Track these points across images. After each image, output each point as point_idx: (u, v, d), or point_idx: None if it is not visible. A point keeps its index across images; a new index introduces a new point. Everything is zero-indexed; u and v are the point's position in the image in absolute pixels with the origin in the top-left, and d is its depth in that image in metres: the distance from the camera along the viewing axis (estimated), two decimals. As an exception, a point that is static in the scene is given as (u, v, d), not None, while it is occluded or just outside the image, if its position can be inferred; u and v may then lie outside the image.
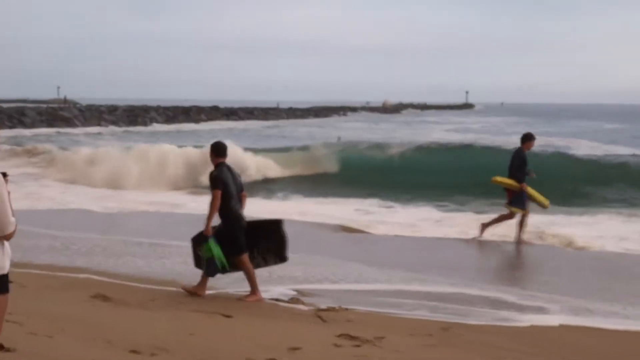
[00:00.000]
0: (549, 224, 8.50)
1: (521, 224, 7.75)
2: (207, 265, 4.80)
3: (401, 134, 30.88)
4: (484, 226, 7.92)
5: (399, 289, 5.46)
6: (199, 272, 4.99)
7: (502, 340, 4.00)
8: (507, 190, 7.92)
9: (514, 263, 7.80)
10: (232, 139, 16.22)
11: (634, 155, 15.99)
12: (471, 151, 17.18)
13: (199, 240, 4.93)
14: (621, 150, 18.15)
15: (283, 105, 59.21)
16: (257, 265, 5.03)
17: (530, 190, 7.90)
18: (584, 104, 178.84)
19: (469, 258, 7.45)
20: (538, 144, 9.44)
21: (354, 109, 68.04)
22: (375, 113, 67.67)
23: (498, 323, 4.49)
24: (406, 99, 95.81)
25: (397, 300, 5.03)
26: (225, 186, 4.75)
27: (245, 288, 4.93)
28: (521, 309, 4.91)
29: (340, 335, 3.77)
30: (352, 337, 3.73)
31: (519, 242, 7.76)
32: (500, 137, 24.68)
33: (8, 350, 2.86)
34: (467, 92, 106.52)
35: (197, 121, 39.55)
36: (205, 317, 4.30)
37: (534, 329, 4.36)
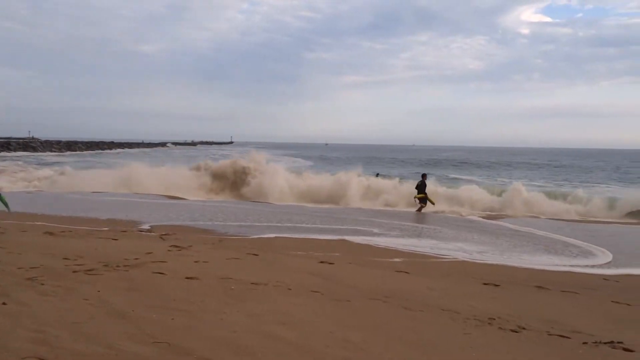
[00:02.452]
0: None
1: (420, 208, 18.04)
2: None
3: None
4: (419, 209, 18.31)
5: (209, 225, 9.80)
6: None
7: (245, 244, 8.38)
8: (421, 197, 18.48)
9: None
10: None
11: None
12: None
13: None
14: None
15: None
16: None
17: (428, 197, 18.69)
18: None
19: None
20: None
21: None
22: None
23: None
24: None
25: (205, 229, 9.30)
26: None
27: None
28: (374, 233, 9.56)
29: (171, 246, 7.76)
30: (177, 247, 7.75)
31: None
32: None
33: None
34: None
35: None
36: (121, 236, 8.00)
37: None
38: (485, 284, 6.88)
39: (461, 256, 9.52)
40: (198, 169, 27.79)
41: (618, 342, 4.37)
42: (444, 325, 4.54)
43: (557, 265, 9.25)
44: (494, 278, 7.35)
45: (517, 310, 5.42)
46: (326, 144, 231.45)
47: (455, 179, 41.47)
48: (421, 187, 18.84)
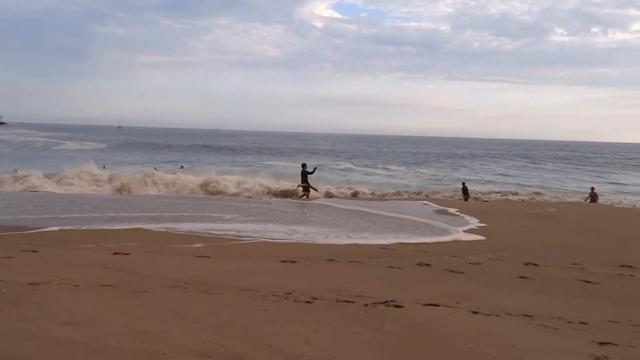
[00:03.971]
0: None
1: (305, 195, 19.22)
2: None
3: None
4: (302, 195, 19.49)
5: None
6: None
7: (19, 240, 7.35)
8: (304, 186, 19.41)
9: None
10: None
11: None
12: None
13: None
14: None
15: None
16: None
17: (311, 185, 19.61)
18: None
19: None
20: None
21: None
22: None
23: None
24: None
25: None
26: None
27: None
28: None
29: None
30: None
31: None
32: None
33: None
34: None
35: None
36: None
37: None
38: (283, 261, 7.24)
39: (261, 237, 9.86)
40: None
41: (391, 301, 5.05)
42: (243, 304, 4.65)
43: (342, 237, 10.25)
44: (292, 255, 7.80)
45: (311, 283, 5.85)
46: (119, 127, 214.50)
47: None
48: (303, 175, 19.01)
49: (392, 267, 7.18)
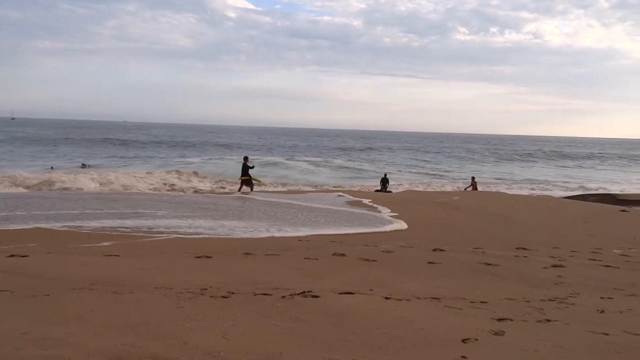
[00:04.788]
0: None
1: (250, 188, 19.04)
2: None
3: None
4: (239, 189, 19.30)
5: None
6: None
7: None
8: (246, 179, 19.24)
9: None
10: None
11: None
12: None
13: None
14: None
15: None
16: None
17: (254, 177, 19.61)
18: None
19: None
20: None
21: None
22: None
23: None
24: None
25: None
26: None
27: None
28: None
29: None
30: None
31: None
32: None
33: None
34: None
35: None
36: None
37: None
38: (198, 257, 7.09)
39: (175, 233, 9.56)
40: None
41: (308, 291, 5.14)
42: (156, 303, 4.50)
43: (260, 231, 10.23)
44: (207, 251, 7.65)
45: (227, 278, 5.78)
46: (12, 118, 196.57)
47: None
48: (244, 169, 19.00)
49: (308, 259, 7.29)
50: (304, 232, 10.44)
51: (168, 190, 20.61)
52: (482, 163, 56.22)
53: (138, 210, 12.56)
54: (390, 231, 11.30)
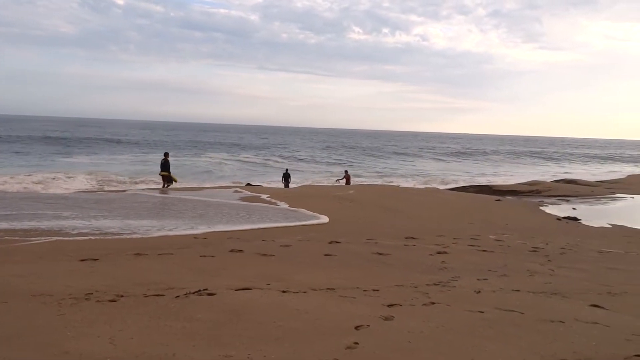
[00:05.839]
0: None
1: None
2: None
3: None
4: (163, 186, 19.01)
5: None
6: None
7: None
8: (165, 175, 19.31)
9: None
10: None
11: None
12: None
13: None
14: None
15: None
16: None
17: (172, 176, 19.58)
18: None
19: None
20: None
21: None
22: None
23: None
24: None
25: None
26: None
27: None
28: None
29: None
30: None
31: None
32: None
33: None
34: None
35: None
36: None
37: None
38: (82, 260, 6.61)
39: (56, 236, 8.83)
40: None
41: (204, 289, 5.03)
42: (34, 312, 4.13)
43: (153, 230, 9.80)
44: (93, 253, 7.16)
45: (115, 280, 5.46)
46: None
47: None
48: (164, 165, 19.17)
49: (204, 256, 7.12)
50: (200, 229, 10.18)
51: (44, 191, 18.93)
52: (383, 159, 58.64)
53: (12, 212, 11.40)
54: (289, 226, 11.41)
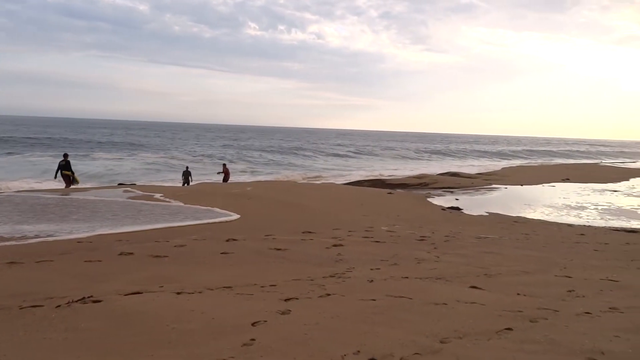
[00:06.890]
0: None
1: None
2: None
3: None
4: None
5: None
6: None
7: None
8: (67, 174, 19.29)
9: None
10: None
11: None
12: None
13: None
14: None
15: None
16: None
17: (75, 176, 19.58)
18: None
19: None
20: None
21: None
22: None
23: None
24: None
25: None
26: None
27: None
28: None
29: None
30: None
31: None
32: None
33: None
34: None
35: None
36: None
37: None
38: (-57, 273, 5.85)
39: None
40: None
41: (89, 297, 4.70)
42: None
43: (29, 235, 8.97)
44: (-44, 264, 6.37)
45: (-16, 293, 4.92)
46: None
47: None
48: (65, 166, 19.31)
49: (90, 261, 6.65)
50: (85, 233, 9.48)
51: None
52: (282, 154, 58.69)
53: None
54: (183, 225, 11.04)
